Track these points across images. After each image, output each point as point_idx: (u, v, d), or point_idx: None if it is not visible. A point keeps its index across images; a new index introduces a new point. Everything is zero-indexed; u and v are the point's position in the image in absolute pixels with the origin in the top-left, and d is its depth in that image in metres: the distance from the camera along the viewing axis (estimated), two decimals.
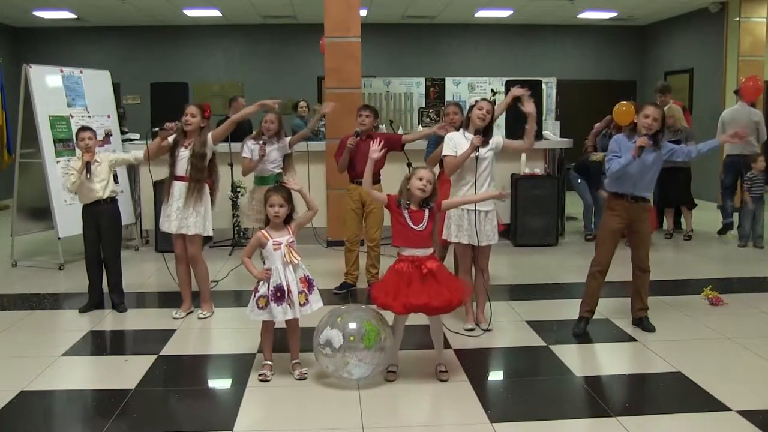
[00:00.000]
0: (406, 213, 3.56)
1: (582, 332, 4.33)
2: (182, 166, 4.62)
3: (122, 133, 8.01)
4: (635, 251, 4.38)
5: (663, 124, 4.21)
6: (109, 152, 5.00)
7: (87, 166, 4.71)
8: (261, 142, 5.28)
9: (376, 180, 5.30)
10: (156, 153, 4.72)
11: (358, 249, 5.41)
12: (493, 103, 4.37)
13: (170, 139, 4.69)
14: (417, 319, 3.69)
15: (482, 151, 4.19)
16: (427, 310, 3.52)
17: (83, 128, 4.85)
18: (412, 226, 3.55)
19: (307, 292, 3.62)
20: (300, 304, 3.59)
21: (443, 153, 4.29)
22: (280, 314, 3.56)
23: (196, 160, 4.59)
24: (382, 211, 5.25)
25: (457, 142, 4.25)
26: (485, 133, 4.23)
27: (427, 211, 3.59)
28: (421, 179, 3.54)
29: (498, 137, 4.36)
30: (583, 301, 4.41)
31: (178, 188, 4.63)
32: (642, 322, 4.41)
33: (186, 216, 4.63)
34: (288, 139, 5.49)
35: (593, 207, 7.53)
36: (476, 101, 4.32)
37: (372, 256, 5.37)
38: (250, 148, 5.32)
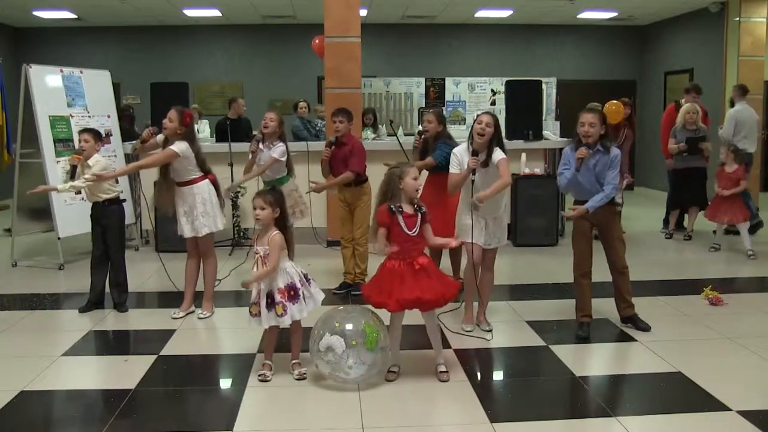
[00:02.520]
0: (400, 218, 3.53)
1: (587, 335, 4.29)
2: (175, 173, 4.66)
3: (131, 135, 7.99)
4: (609, 254, 4.34)
5: (606, 128, 4.16)
6: (102, 162, 4.83)
7: (73, 170, 4.73)
8: (255, 140, 5.27)
9: (357, 183, 5.24)
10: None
11: (353, 247, 5.41)
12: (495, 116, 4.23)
13: (159, 138, 4.77)
14: (415, 318, 3.69)
15: (478, 173, 4.12)
16: (419, 304, 3.51)
17: (83, 130, 4.85)
18: (407, 231, 3.54)
19: (286, 303, 3.55)
20: (278, 315, 3.55)
21: (450, 170, 4.25)
22: (247, 320, 3.63)
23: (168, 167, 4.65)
24: (368, 209, 5.24)
25: (461, 159, 4.20)
26: (490, 145, 4.16)
27: (419, 216, 3.58)
28: (416, 178, 3.55)
29: (499, 155, 4.16)
30: (576, 308, 4.39)
31: (179, 193, 4.68)
32: (634, 321, 4.37)
33: (194, 218, 4.67)
34: (280, 146, 5.31)
35: None
36: (477, 115, 4.25)
37: (357, 254, 5.36)
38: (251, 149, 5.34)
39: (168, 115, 4.59)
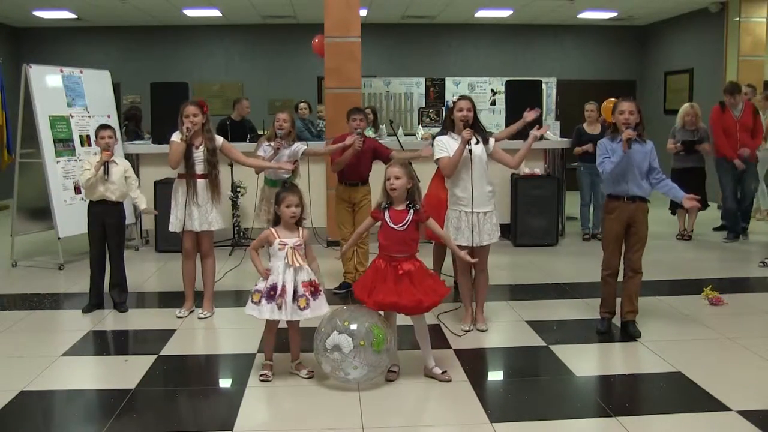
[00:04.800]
0: (386, 213, 3.56)
1: (606, 330, 4.35)
2: (200, 166, 4.66)
3: (137, 136, 7.98)
4: (630, 252, 4.32)
5: (641, 116, 4.21)
6: (126, 162, 5.02)
7: (105, 165, 4.72)
8: (277, 138, 5.26)
9: (364, 182, 5.32)
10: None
11: (355, 246, 5.40)
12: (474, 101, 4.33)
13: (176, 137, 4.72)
14: (397, 317, 3.69)
15: (473, 144, 4.16)
16: (396, 308, 3.53)
17: (103, 126, 4.86)
18: (392, 225, 3.54)
19: (309, 297, 3.59)
20: (300, 308, 3.56)
21: (436, 156, 4.27)
22: (267, 312, 3.55)
23: (210, 156, 4.67)
24: (370, 208, 5.25)
25: (446, 144, 4.24)
26: (474, 130, 4.20)
27: (411, 212, 3.58)
28: (388, 179, 3.55)
29: (491, 140, 4.34)
30: (601, 303, 4.45)
31: (201, 186, 4.67)
32: (628, 327, 4.32)
33: (207, 213, 4.69)
34: (299, 144, 5.39)
35: (590, 205, 7.54)
36: (454, 102, 4.28)
37: (359, 253, 5.36)
38: (264, 149, 5.31)
39: (188, 112, 4.58)
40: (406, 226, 3.56)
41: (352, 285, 5.34)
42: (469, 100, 4.26)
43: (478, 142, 4.22)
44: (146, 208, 4.96)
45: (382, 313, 3.58)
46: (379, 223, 3.65)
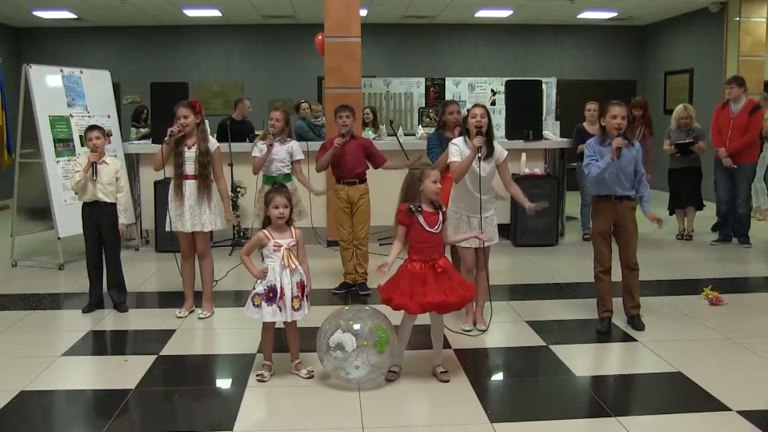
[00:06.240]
0: (420, 218, 3.55)
1: (606, 330, 4.36)
2: (190, 166, 4.65)
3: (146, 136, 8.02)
4: (622, 249, 4.39)
5: (629, 120, 4.28)
6: (118, 162, 5.03)
7: (93, 166, 4.71)
8: (269, 135, 5.27)
9: (361, 180, 5.32)
10: (167, 160, 4.72)
11: (353, 248, 5.40)
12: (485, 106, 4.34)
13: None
14: (416, 319, 3.69)
15: (485, 152, 4.17)
16: (443, 307, 3.52)
17: (91, 127, 4.84)
18: (429, 228, 3.54)
19: (301, 297, 3.61)
20: (294, 309, 3.58)
21: (450, 159, 4.27)
22: (269, 315, 3.56)
23: (201, 157, 4.65)
24: (369, 209, 5.28)
25: (461, 149, 4.24)
26: (486, 139, 4.20)
27: (440, 213, 3.60)
28: (435, 182, 3.54)
29: (504, 152, 4.34)
30: (597, 303, 4.46)
31: (189, 187, 4.66)
32: (634, 321, 4.40)
33: (199, 213, 4.68)
34: (299, 152, 5.38)
35: (590, 205, 7.53)
36: (468, 109, 4.31)
37: (359, 254, 5.35)
38: (259, 148, 5.31)
39: (180, 113, 4.59)
40: (440, 227, 3.58)
41: (361, 286, 5.35)
42: (483, 107, 4.26)
43: (488, 157, 4.22)
44: (123, 223, 4.90)
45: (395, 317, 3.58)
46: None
